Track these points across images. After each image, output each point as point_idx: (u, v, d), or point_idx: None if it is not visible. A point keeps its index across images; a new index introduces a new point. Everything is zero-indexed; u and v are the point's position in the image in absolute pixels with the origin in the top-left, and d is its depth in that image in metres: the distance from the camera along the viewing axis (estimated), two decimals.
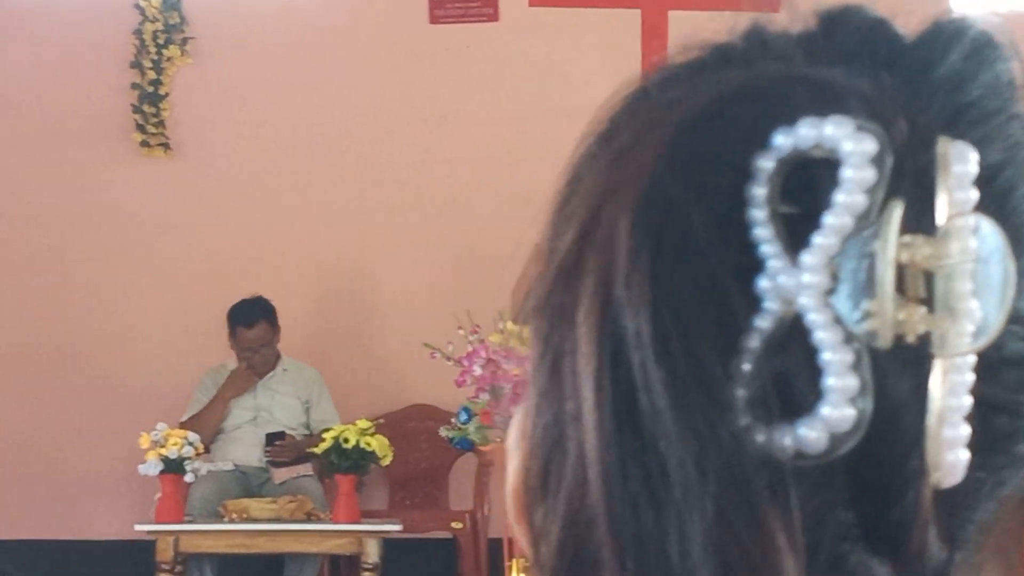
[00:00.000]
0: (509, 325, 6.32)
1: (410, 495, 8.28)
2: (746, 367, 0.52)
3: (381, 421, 7.42)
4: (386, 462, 7.15)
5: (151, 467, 7.01)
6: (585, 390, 0.54)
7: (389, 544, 7.13)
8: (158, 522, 6.99)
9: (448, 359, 6.26)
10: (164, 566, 6.90)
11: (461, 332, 6.35)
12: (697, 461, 0.52)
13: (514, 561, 6.34)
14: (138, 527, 7.04)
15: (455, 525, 7.91)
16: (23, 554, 8.04)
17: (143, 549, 7.24)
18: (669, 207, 0.54)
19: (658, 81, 0.60)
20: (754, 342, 0.53)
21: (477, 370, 6.20)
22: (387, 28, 8.48)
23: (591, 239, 0.56)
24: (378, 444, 7.04)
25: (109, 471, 8.09)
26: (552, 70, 8.54)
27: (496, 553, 7.03)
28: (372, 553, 6.93)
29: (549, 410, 0.56)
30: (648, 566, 0.52)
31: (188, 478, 7.07)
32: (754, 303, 0.53)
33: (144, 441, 7.04)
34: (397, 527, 7.08)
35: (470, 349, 6.28)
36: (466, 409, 6.30)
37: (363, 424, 7.09)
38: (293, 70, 8.47)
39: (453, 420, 6.41)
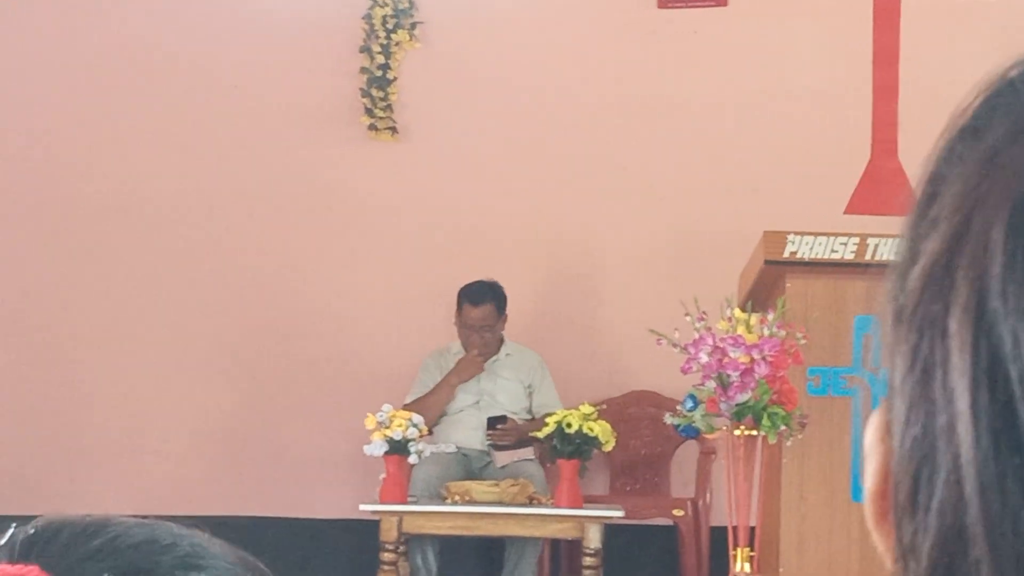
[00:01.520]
0: (736, 312, 6.26)
1: (631, 481, 8.25)
2: None
3: (603, 406, 7.40)
4: (608, 447, 7.12)
5: (376, 448, 7.07)
6: (959, 404, 0.51)
7: (610, 530, 7.11)
8: (382, 502, 7.05)
9: (674, 346, 6.21)
10: (388, 546, 6.95)
11: (687, 318, 6.29)
12: None
13: (739, 550, 6.28)
14: (363, 507, 7.10)
15: (677, 512, 7.86)
16: (251, 531, 8.17)
17: (367, 529, 7.31)
18: None
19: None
20: None
21: (703, 357, 6.14)
22: (615, 11, 8.45)
23: (962, 247, 0.53)
24: (601, 429, 7.01)
25: (335, 451, 8.20)
26: (780, 54, 8.43)
27: (718, 541, 6.96)
28: (594, 538, 6.91)
29: (918, 422, 0.53)
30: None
31: (412, 459, 7.12)
32: None
33: (370, 422, 7.10)
34: (619, 513, 7.05)
35: (696, 336, 6.23)
36: (692, 396, 6.24)
37: (586, 409, 7.06)
38: (520, 54, 8.48)
39: (678, 407, 6.35)
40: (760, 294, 6.65)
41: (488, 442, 7.64)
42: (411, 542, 7.40)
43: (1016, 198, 0.51)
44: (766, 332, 6.16)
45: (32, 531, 0.80)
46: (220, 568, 0.81)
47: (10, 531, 0.80)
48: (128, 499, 7.85)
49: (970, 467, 0.50)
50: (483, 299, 7.71)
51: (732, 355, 6.11)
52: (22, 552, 0.78)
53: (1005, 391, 0.50)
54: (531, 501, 7.09)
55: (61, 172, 8.38)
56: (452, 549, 7.70)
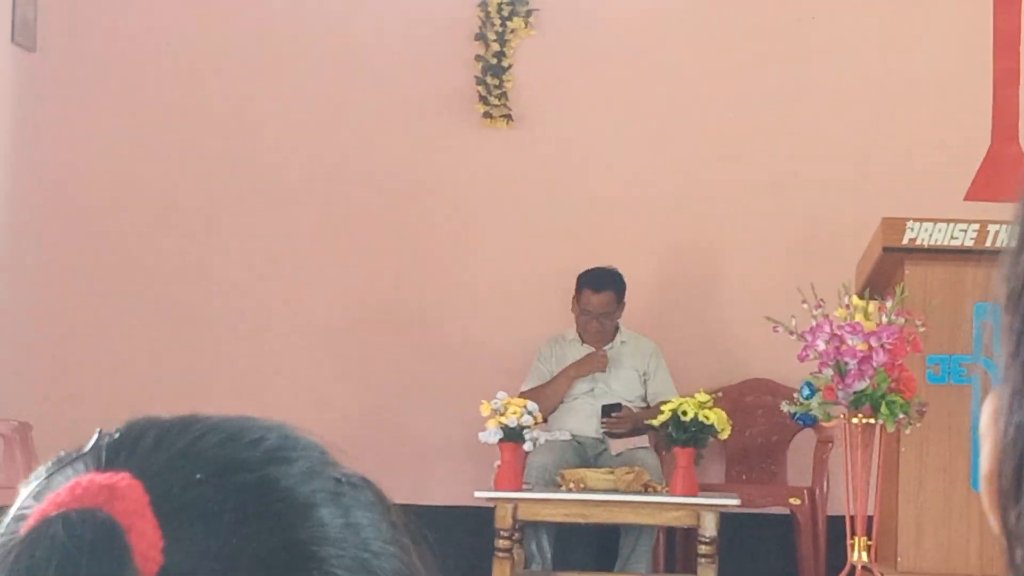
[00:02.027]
0: (854, 299, 6.20)
1: (747, 469, 8.21)
2: None
3: (719, 394, 7.36)
4: (724, 436, 7.09)
5: (491, 435, 7.08)
6: None
7: (726, 518, 7.08)
8: (497, 489, 7.06)
9: (791, 333, 6.17)
10: (503, 533, 6.97)
11: (805, 306, 6.25)
12: None
13: (856, 539, 6.23)
14: (478, 494, 7.12)
15: (793, 501, 7.81)
16: None
17: (482, 516, 7.33)
18: None
19: None
20: None
21: (820, 345, 6.10)
22: None
23: None
24: (716, 417, 6.98)
25: (450, 438, 8.23)
26: (899, 40, 8.35)
27: (836, 530, 6.91)
28: (709, 527, 6.88)
29: (1021, 409, 0.52)
30: None
31: (527, 447, 7.12)
32: None
33: (484, 409, 7.11)
34: (735, 501, 7.02)
35: (813, 323, 6.18)
36: (809, 384, 6.19)
37: (701, 397, 7.03)
38: (635, 41, 8.45)
39: (795, 395, 6.31)
40: (878, 281, 6.59)
41: (603, 430, 7.64)
42: (526, 529, 7.41)
43: None
44: (884, 319, 6.11)
45: (118, 435, 0.80)
46: (311, 459, 0.81)
47: (95, 436, 0.80)
48: None
49: None
50: (604, 286, 7.70)
51: (850, 343, 6.06)
52: (109, 458, 0.78)
53: None
54: (646, 489, 7.08)
55: (189, 155, 8.47)
56: (566, 537, 7.71)
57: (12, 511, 0.78)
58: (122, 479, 0.75)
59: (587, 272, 7.73)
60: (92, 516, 0.72)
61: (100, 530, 0.72)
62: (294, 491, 0.78)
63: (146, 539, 0.72)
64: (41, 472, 0.79)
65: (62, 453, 0.81)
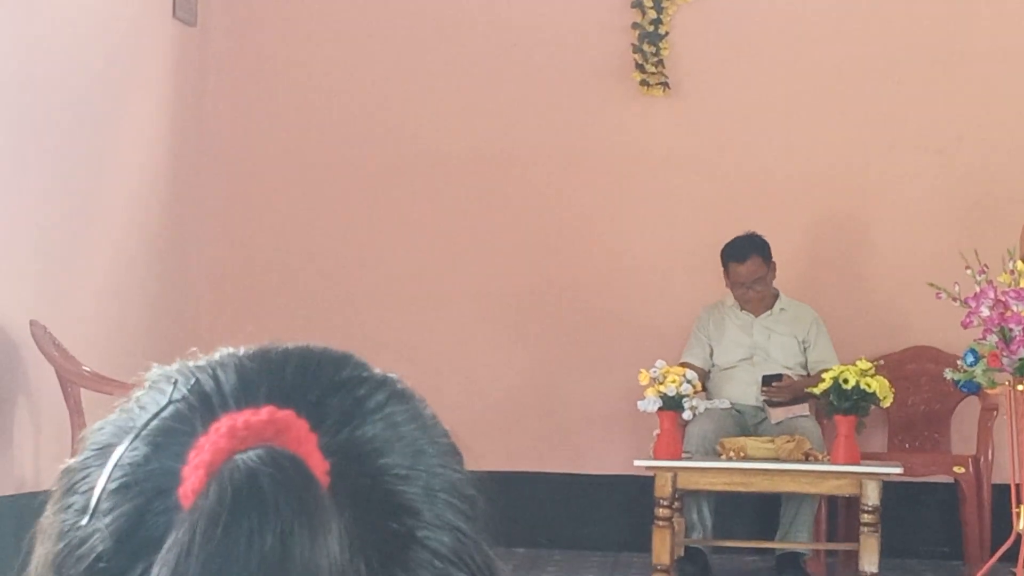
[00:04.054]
0: (1019, 265, 6.12)
1: (910, 438, 8.12)
2: None
3: (881, 362, 7.29)
4: (886, 403, 7.02)
5: (650, 404, 7.08)
6: None
7: (888, 487, 7.02)
8: (656, 458, 7.06)
9: (954, 299, 6.10)
10: (663, 502, 6.97)
11: (968, 272, 6.17)
12: None
13: (1022, 508, 6.14)
14: (637, 463, 7.12)
15: (957, 469, 7.72)
16: (529, 487, 8.29)
17: (642, 484, 7.34)
18: None
19: None
20: None
21: (985, 311, 6.02)
22: None
23: None
24: (878, 385, 6.92)
25: (609, 407, 8.24)
26: None
27: (1001, 499, 6.83)
28: (872, 495, 6.82)
29: None
30: None
31: (686, 415, 7.11)
32: None
33: (643, 378, 7.11)
34: (898, 470, 6.95)
35: (977, 289, 6.10)
36: (973, 351, 6.12)
37: (863, 365, 6.97)
38: (793, 7, 8.38)
39: (959, 362, 6.24)
40: None
41: (763, 398, 7.60)
42: (686, 498, 7.41)
43: None
44: None
45: (233, 373, 0.79)
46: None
47: (185, 381, 0.78)
48: None
49: None
50: (747, 254, 7.65)
51: (1015, 309, 5.98)
52: (246, 393, 0.77)
53: None
54: (807, 458, 7.04)
55: (350, 131, 8.56)
56: (727, 506, 7.70)
57: (145, 467, 0.75)
58: (271, 412, 0.74)
59: (727, 245, 7.68)
60: (275, 453, 0.72)
61: (289, 465, 0.71)
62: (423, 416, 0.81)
63: (319, 465, 0.73)
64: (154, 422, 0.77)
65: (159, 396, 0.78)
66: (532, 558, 7.99)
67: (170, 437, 0.76)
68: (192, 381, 0.78)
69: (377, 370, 0.82)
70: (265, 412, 0.74)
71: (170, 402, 0.77)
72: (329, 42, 8.60)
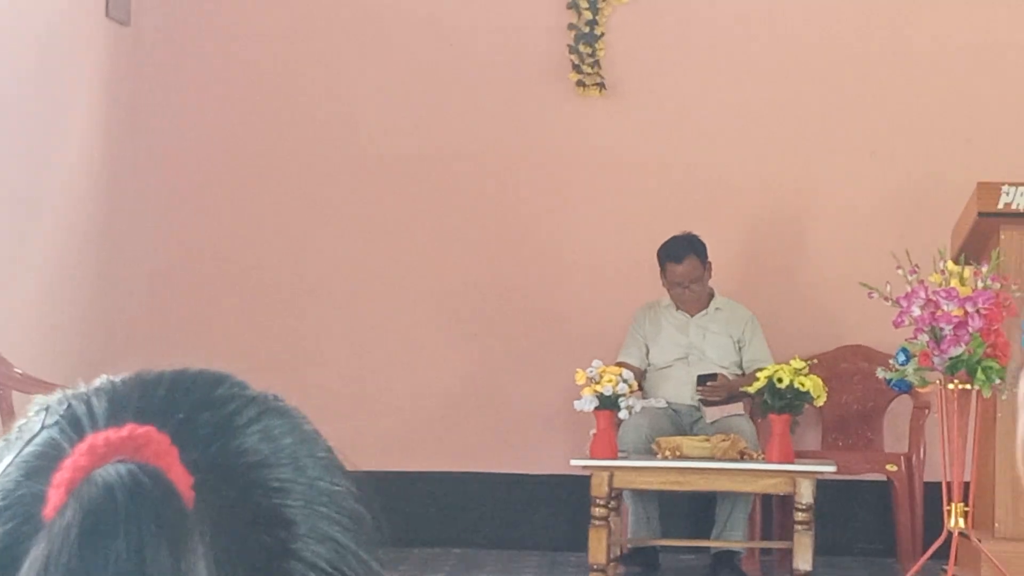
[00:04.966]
0: (950, 265, 6.18)
1: (843, 436, 8.18)
2: None
3: (814, 361, 7.35)
4: (820, 402, 7.08)
5: (586, 403, 7.10)
6: None
7: (822, 485, 7.07)
8: (593, 458, 7.08)
9: (886, 299, 6.15)
10: (599, 501, 6.99)
11: (899, 271, 6.23)
12: None
13: (953, 506, 6.21)
14: (574, 462, 7.15)
15: (890, 467, 7.79)
16: (466, 487, 8.29)
17: (579, 484, 7.36)
18: None
19: None
20: None
21: (916, 311, 6.08)
22: None
23: None
24: (812, 384, 6.97)
25: (547, 407, 8.25)
26: (999, 7, 8.26)
27: (933, 497, 6.89)
28: (806, 493, 6.87)
29: None
30: None
31: (622, 414, 7.14)
32: None
33: (580, 377, 7.13)
34: (831, 468, 7.01)
35: (909, 289, 6.16)
36: (904, 350, 6.18)
37: (797, 364, 7.02)
38: (727, 7, 8.42)
39: (890, 361, 6.29)
40: (973, 246, 6.55)
41: (698, 398, 7.64)
42: (634, 497, 7.45)
43: None
44: (980, 285, 6.07)
45: (94, 395, 0.79)
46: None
47: (61, 404, 0.79)
48: (350, 454, 7.98)
49: None
50: (684, 254, 7.69)
51: (945, 308, 6.04)
52: (112, 412, 0.78)
53: None
54: (742, 456, 7.08)
55: (286, 131, 8.54)
56: (663, 505, 7.73)
57: (11, 494, 0.76)
58: (132, 428, 0.74)
59: (664, 245, 7.72)
60: (133, 467, 0.72)
61: (147, 478, 0.71)
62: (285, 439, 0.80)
63: (182, 479, 0.73)
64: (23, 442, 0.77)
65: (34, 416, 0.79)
66: (469, 558, 8.00)
67: (40, 461, 0.77)
68: (65, 407, 0.79)
69: (254, 389, 0.82)
70: (126, 429, 0.74)
71: (43, 428, 0.78)
72: (266, 41, 8.57)
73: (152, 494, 0.71)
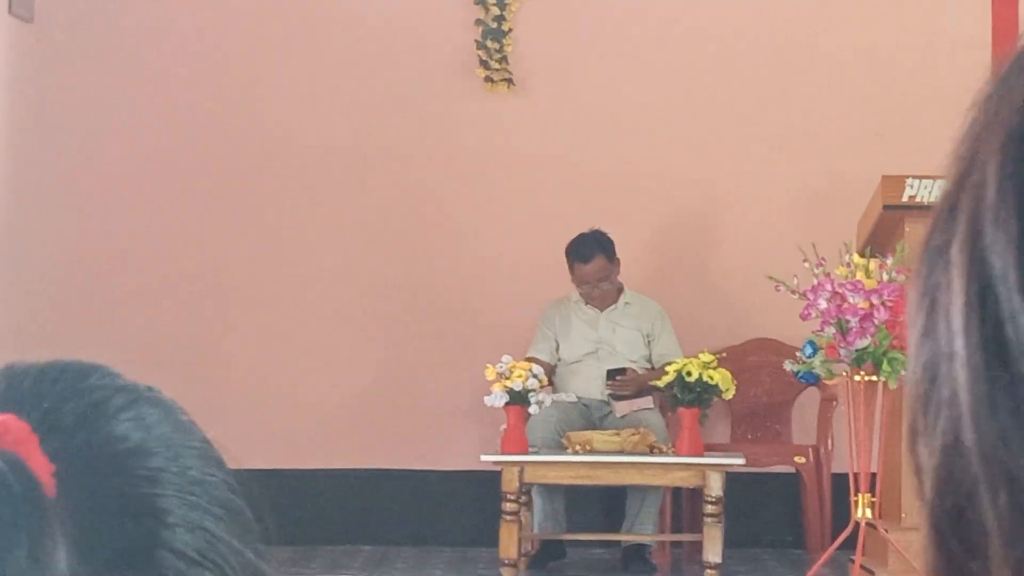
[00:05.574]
0: (855, 258, 6.23)
1: (752, 429, 8.24)
2: None
3: (723, 354, 7.39)
4: (729, 395, 7.12)
5: (496, 399, 7.11)
6: (955, 325, 0.55)
7: (732, 478, 7.12)
8: (504, 453, 7.09)
9: (793, 292, 6.20)
10: (510, 496, 7.00)
11: (806, 265, 6.28)
12: None
13: (860, 496, 6.26)
14: (484, 458, 7.15)
15: (798, 459, 7.85)
16: (377, 484, 8.28)
17: (490, 479, 7.37)
18: None
19: None
20: None
21: (822, 303, 6.13)
22: None
23: (966, 182, 0.57)
24: (721, 377, 7.01)
25: (457, 403, 8.25)
26: (904, 2, 8.34)
27: (840, 488, 6.95)
28: (715, 486, 6.92)
29: (927, 350, 0.57)
30: (1020, 497, 0.52)
31: (532, 410, 7.15)
32: None
33: (490, 373, 7.14)
34: (740, 461, 7.06)
35: (815, 282, 6.21)
36: (811, 343, 6.23)
37: (706, 357, 7.06)
38: (635, 2, 8.45)
39: (797, 354, 6.34)
40: (879, 239, 6.61)
41: (608, 392, 7.66)
42: (540, 491, 7.46)
43: (1008, 132, 0.56)
44: (885, 277, 6.13)
45: None
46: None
47: None
48: (261, 452, 7.91)
49: (964, 385, 0.54)
50: (592, 254, 7.71)
51: (851, 301, 6.09)
52: None
53: (995, 313, 0.53)
54: (652, 450, 7.11)
55: (192, 129, 8.48)
56: (574, 499, 7.75)
57: None
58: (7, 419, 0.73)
59: (571, 244, 7.73)
60: None
61: (3, 463, 0.70)
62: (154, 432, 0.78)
63: (42, 466, 0.72)
64: None
65: None
66: (380, 555, 7.99)
67: None
68: None
69: (127, 379, 0.82)
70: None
71: None
72: (173, 39, 8.50)
73: (6, 480, 0.70)
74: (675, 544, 7.90)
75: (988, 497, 0.53)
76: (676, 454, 7.05)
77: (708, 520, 6.93)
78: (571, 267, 7.75)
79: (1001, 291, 0.53)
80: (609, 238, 7.73)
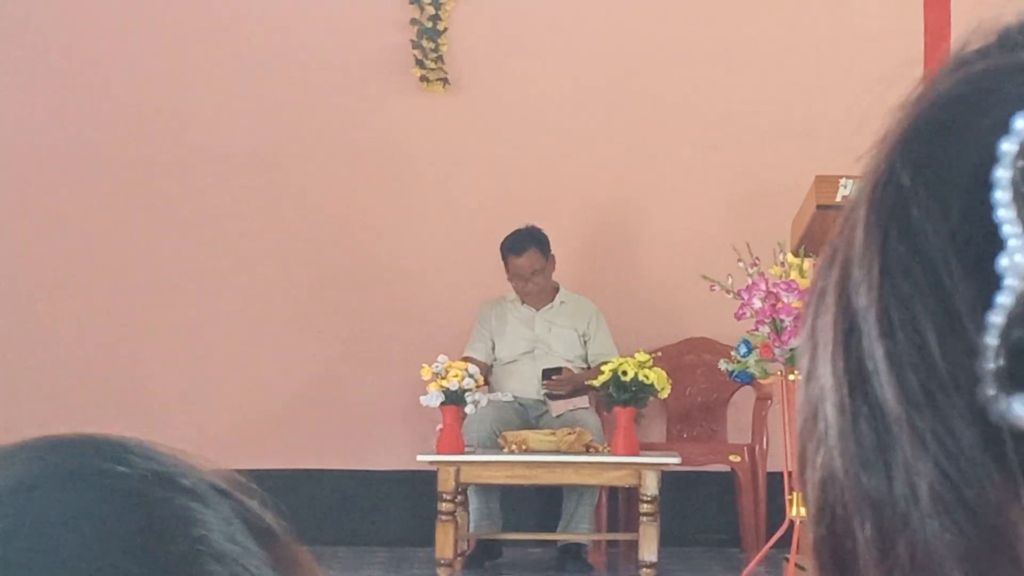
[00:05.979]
0: (789, 257, 6.26)
1: (688, 428, 8.27)
2: (991, 341, 0.55)
3: (659, 354, 7.41)
4: (664, 395, 7.15)
5: (432, 398, 7.11)
6: (827, 364, 0.58)
7: (667, 477, 7.14)
8: (440, 453, 7.09)
9: (727, 292, 6.22)
10: (446, 496, 7.00)
11: (740, 265, 6.30)
12: (917, 426, 0.55)
13: (795, 495, 6.29)
14: (420, 457, 7.15)
15: (733, 458, 7.88)
16: (311, 484, 8.25)
17: (425, 479, 7.36)
18: (901, 192, 0.57)
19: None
20: (998, 318, 0.55)
21: (757, 303, 6.15)
22: None
23: (844, 227, 0.60)
24: (656, 377, 7.04)
25: (392, 402, 8.24)
26: (835, 1, 8.39)
27: (775, 486, 6.98)
28: (651, 485, 6.94)
29: (810, 388, 0.60)
30: (883, 523, 0.55)
31: (468, 409, 7.15)
32: (996, 281, 0.55)
33: (425, 373, 7.14)
34: (676, 460, 7.08)
35: (749, 282, 6.24)
36: (746, 342, 6.25)
37: (641, 357, 7.08)
38: (569, 3, 8.46)
39: (732, 353, 6.37)
40: (813, 239, 6.64)
41: (544, 391, 7.67)
42: (477, 491, 7.45)
43: (878, 179, 0.59)
44: None
45: None
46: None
47: None
48: (191, 452, 7.90)
49: (832, 418, 0.57)
50: (525, 246, 7.72)
51: (785, 300, 6.12)
52: None
53: (857, 349, 0.56)
54: (588, 449, 7.12)
55: (122, 125, 8.42)
56: (510, 498, 7.75)
57: None
58: None
59: (506, 239, 7.75)
60: None
61: None
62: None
63: None
64: None
65: None
66: (315, 555, 7.89)
67: None
68: None
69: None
70: None
71: None
72: (94, 36, 8.44)
73: None
74: (611, 543, 7.91)
75: (856, 522, 0.56)
76: (612, 453, 7.06)
77: (644, 519, 6.95)
78: (505, 262, 7.75)
79: (863, 328, 0.56)
80: (543, 233, 7.74)
